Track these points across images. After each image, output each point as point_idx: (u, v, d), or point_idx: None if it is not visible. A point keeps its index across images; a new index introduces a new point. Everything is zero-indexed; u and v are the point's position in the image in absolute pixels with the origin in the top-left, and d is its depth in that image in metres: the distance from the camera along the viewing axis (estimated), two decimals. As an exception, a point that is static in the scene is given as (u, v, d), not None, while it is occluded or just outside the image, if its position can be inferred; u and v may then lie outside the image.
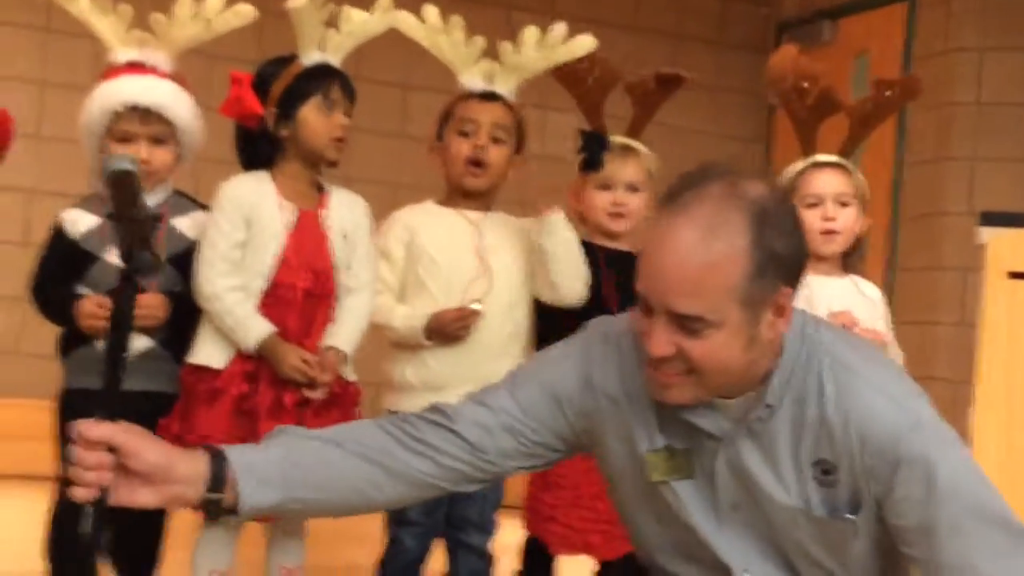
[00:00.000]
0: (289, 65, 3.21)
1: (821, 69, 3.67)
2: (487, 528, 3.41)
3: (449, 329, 3.29)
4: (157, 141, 3.15)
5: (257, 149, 3.21)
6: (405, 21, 3.40)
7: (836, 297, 3.55)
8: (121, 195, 1.94)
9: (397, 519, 3.32)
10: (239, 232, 3.10)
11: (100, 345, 3.06)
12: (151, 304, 3.06)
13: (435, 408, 2.19)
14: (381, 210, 3.39)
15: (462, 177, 3.39)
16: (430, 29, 3.41)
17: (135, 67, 3.18)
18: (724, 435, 2.11)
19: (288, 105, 3.17)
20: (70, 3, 3.22)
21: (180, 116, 3.17)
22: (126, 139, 3.13)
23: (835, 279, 3.59)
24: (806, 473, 2.08)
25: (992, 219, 5.71)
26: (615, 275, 3.48)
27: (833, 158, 3.61)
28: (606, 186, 3.51)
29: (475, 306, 3.30)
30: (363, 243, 3.25)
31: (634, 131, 3.62)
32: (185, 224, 3.17)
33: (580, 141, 3.54)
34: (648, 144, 3.61)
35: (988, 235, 4.42)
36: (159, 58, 3.20)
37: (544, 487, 3.38)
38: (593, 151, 3.50)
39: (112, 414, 1.95)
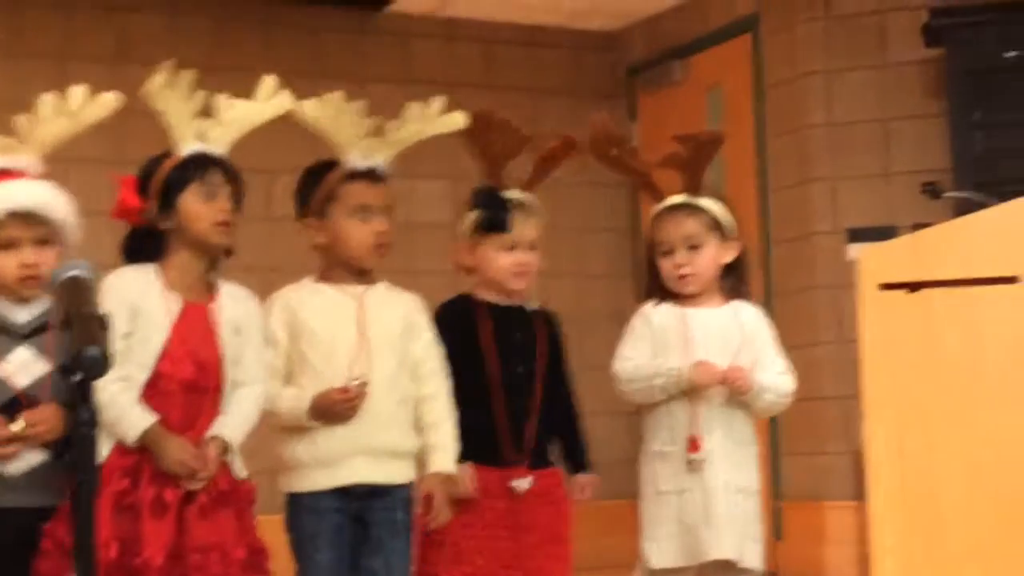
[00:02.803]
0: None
1: (623, 133, 3.81)
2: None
3: (337, 410, 3.26)
4: (42, 243, 3.10)
5: (141, 245, 3.19)
6: (306, 106, 3.34)
7: (713, 328, 3.59)
8: (73, 298, 1.97)
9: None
10: (123, 324, 3.07)
11: None
12: (46, 418, 3.00)
13: None
14: (258, 295, 3.35)
15: (364, 260, 3.38)
16: (333, 111, 3.36)
17: (5, 173, 3.12)
18: None
19: (167, 196, 3.15)
20: None
21: (61, 216, 3.12)
22: (11, 245, 3.08)
23: (714, 309, 3.63)
24: None
25: (859, 235, 5.84)
26: (493, 326, 3.50)
27: (680, 199, 3.65)
28: (511, 247, 3.51)
29: (356, 383, 3.25)
30: (255, 338, 3.23)
31: (530, 187, 3.62)
32: None
33: (477, 200, 3.52)
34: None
35: (857, 251, 4.49)
36: (27, 161, 3.14)
37: (428, 545, 3.40)
38: (497, 212, 3.49)
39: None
